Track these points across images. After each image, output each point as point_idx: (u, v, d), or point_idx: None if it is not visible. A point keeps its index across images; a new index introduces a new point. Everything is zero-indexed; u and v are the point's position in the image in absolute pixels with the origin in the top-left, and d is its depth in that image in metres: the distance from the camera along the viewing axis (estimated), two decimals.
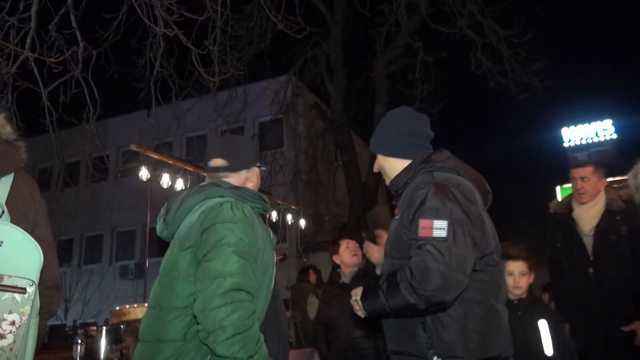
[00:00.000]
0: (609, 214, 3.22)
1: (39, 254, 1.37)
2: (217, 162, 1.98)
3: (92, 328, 3.68)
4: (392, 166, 2.08)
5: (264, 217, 2.15)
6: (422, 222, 1.75)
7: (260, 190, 2.10)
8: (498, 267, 1.90)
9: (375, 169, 2.20)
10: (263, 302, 1.75)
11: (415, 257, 1.71)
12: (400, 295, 1.70)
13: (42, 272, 1.51)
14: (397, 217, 1.97)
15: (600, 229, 3.21)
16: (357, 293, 1.93)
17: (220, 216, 1.73)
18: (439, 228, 1.72)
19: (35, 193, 1.58)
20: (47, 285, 1.56)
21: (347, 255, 3.65)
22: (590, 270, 3.20)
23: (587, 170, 3.25)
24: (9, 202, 1.45)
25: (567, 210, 3.40)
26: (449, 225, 1.72)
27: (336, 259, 3.73)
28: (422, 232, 1.74)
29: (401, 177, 2.02)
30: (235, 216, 1.73)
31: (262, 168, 2.14)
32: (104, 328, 3.62)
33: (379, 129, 2.19)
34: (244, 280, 1.62)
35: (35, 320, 1.38)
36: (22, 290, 1.30)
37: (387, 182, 2.13)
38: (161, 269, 1.84)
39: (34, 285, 1.33)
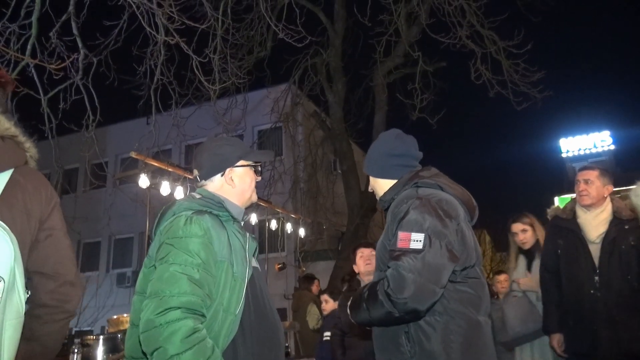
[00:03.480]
0: (617, 221, 3.15)
1: (11, 249, 1.31)
2: (194, 172, 1.97)
3: (89, 337, 3.64)
4: (381, 186, 2.18)
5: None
6: (401, 235, 1.84)
7: (259, 198, 2.08)
8: (480, 279, 1.97)
9: (370, 189, 2.30)
10: (231, 315, 1.66)
11: (391, 268, 1.79)
12: (378, 304, 1.79)
13: (54, 267, 1.50)
14: (383, 233, 2.06)
15: (610, 237, 3.12)
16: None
17: (169, 232, 1.69)
18: (416, 240, 1.80)
19: (41, 187, 1.55)
20: (61, 282, 1.51)
21: (361, 264, 3.68)
22: (597, 278, 3.10)
23: (592, 174, 3.22)
24: (4, 197, 1.41)
25: (571, 216, 3.31)
26: (426, 237, 1.80)
27: (355, 268, 3.80)
28: (399, 244, 1.82)
29: (388, 194, 2.11)
30: (186, 230, 1.66)
31: (253, 163, 1.99)
32: (101, 337, 3.59)
33: (370, 151, 2.28)
34: (186, 298, 1.54)
35: (14, 322, 1.30)
36: None
37: (378, 199, 2.23)
38: (136, 286, 1.80)
39: (2, 282, 1.26)
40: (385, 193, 2.12)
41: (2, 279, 1.27)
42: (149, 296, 1.58)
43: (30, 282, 1.47)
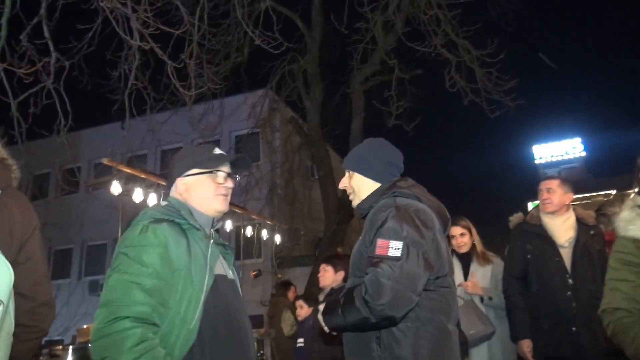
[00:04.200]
0: (584, 227, 3.34)
1: (10, 273, 1.35)
2: None
3: (57, 347, 3.56)
4: (366, 186, 2.20)
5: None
6: (380, 242, 1.87)
7: (231, 204, 2.06)
8: (451, 289, 2.04)
9: (342, 186, 2.30)
10: (188, 325, 1.62)
11: (370, 274, 1.82)
12: (355, 309, 1.82)
13: (32, 288, 1.55)
14: (360, 238, 2.09)
15: (580, 241, 3.28)
16: (321, 309, 2.04)
17: (125, 241, 1.68)
18: (395, 248, 1.84)
19: (25, 210, 1.59)
20: (38, 303, 1.57)
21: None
22: (570, 281, 3.22)
23: (554, 183, 3.41)
24: None
25: (537, 222, 3.45)
26: (404, 246, 1.84)
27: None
28: (378, 251, 1.86)
29: (367, 201, 2.16)
30: (141, 239, 1.65)
31: (206, 171, 1.90)
32: (71, 347, 3.51)
33: (361, 150, 2.31)
34: (136, 308, 1.53)
35: (7, 342, 1.35)
36: None
37: (354, 201, 2.24)
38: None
39: (1, 305, 1.31)
40: (363, 200, 2.17)
41: (2, 302, 1.31)
42: (100, 305, 1.56)
43: None
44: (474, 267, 3.77)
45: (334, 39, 10.70)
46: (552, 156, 31.86)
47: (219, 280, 1.77)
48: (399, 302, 1.76)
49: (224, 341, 1.70)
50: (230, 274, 1.91)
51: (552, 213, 3.38)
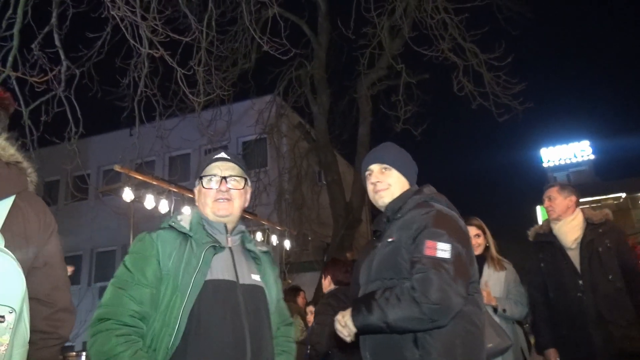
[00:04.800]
0: (591, 226, 3.35)
1: (22, 280, 1.32)
2: None
3: (70, 353, 3.58)
4: (400, 185, 2.18)
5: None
6: (428, 243, 1.85)
7: (244, 210, 2.08)
8: (479, 294, 2.05)
9: (375, 180, 2.20)
10: (170, 329, 1.67)
11: (420, 273, 1.79)
12: (402, 309, 1.77)
13: (50, 294, 1.53)
14: (389, 240, 2.02)
15: (586, 240, 3.29)
16: (341, 318, 1.92)
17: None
18: (443, 250, 1.83)
19: (41, 213, 1.56)
20: (56, 309, 1.54)
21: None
22: (580, 282, 3.21)
23: (552, 191, 3.50)
24: (6, 225, 1.42)
25: (548, 230, 3.50)
26: (452, 248, 1.84)
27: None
28: (427, 252, 1.83)
29: (396, 203, 2.13)
30: (133, 247, 1.82)
31: (201, 177, 1.96)
32: (83, 354, 3.53)
33: (396, 150, 2.28)
34: (112, 310, 1.67)
35: (20, 350, 1.32)
36: (0, 319, 1.24)
37: (386, 198, 2.16)
38: None
39: (14, 313, 1.27)
40: (393, 201, 2.13)
41: (14, 309, 1.28)
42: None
43: None
44: (488, 272, 3.54)
45: (341, 44, 10.74)
46: (560, 159, 31.62)
47: (217, 285, 1.77)
48: (451, 303, 1.75)
49: (211, 346, 1.69)
50: (251, 279, 1.89)
51: (557, 218, 3.44)
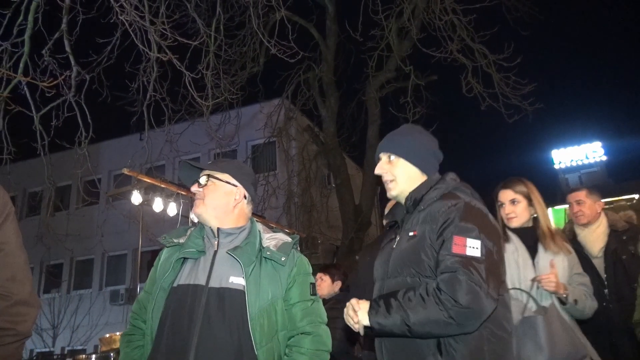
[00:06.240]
0: (615, 234, 3.29)
1: None
2: None
3: (80, 356, 3.59)
4: (410, 175, 1.98)
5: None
6: (456, 239, 1.69)
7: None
8: (508, 293, 1.87)
9: (379, 171, 2.04)
10: (150, 329, 1.86)
11: (447, 273, 1.65)
12: (426, 311, 1.62)
13: (5, 285, 1.34)
14: (411, 235, 1.86)
15: (610, 249, 3.25)
16: (356, 305, 1.79)
17: None
18: (473, 247, 1.67)
19: None
20: (13, 301, 1.35)
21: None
22: (606, 291, 3.17)
23: (582, 194, 3.37)
24: None
25: (571, 237, 3.39)
26: (482, 246, 1.68)
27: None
28: (455, 249, 1.68)
29: (418, 191, 1.94)
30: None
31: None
32: (94, 356, 3.54)
33: (404, 135, 2.05)
34: (134, 308, 2.03)
35: None
36: None
37: (394, 190, 2.00)
38: None
39: None
40: (415, 189, 1.94)
41: None
42: None
43: None
44: (544, 254, 2.57)
45: (349, 46, 10.76)
46: (572, 161, 31.31)
47: (181, 291, 1.84)
48: (483, 306, 1.59)
49: (158, 351, 1.79)
50: (228, 282, 1.81)
51: (586, 224, 3.34)
